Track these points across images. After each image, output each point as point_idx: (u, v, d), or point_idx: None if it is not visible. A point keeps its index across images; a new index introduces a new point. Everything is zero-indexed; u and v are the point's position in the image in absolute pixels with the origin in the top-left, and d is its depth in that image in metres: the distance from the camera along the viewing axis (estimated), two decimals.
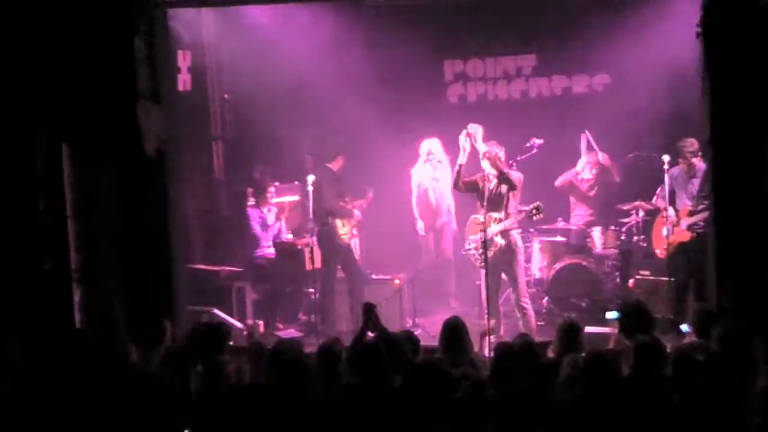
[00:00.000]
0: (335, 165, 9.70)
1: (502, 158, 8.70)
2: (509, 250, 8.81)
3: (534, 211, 8.67)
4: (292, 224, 10.54)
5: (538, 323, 9.07)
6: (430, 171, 10.39)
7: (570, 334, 6.24)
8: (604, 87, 11.20)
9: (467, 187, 8.78)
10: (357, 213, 9.78)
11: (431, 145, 10.33)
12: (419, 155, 10.45)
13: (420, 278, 10.09)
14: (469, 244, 8.99)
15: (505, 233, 8.75)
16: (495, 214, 8.74)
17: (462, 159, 8.61)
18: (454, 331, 6.31)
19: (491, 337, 8.22)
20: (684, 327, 7.05)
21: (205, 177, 11.05)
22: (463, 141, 8.51)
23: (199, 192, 10.93)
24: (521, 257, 8.98)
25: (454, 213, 10.43)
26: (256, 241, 10.10)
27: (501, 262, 8.81)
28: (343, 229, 9.69)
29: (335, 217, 9.65)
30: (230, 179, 11.27)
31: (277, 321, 9.94)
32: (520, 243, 8.98)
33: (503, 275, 8.93)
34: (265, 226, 10.11)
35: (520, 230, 9.08)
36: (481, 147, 8.56)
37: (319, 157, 10.03)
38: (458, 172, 8.69)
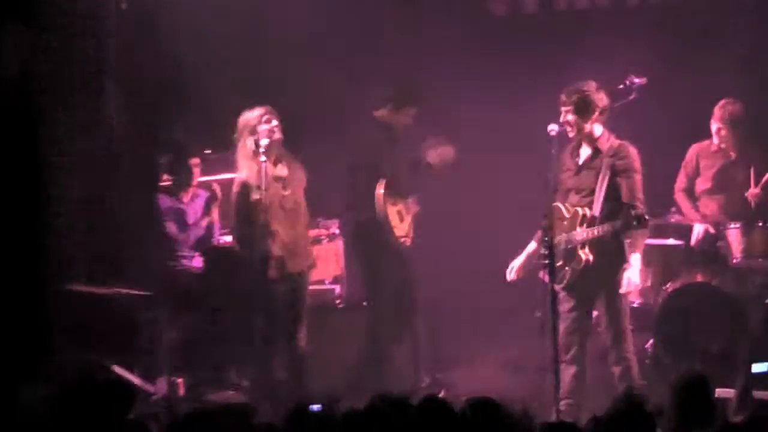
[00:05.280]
0: (402, 118, 9.66)
1: (600, 105, 8.48)
2: (609, 261, 8.48)
3: (635, 222, 8.33)
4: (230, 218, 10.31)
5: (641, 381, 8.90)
6: (270, 168, 9.14)
7: (694, 396, 6.22)
8: None
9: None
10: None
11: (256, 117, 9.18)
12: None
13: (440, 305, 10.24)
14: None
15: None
16: (582, 210, 8.54)
17: None
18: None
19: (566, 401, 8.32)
20: None
21: (90, 137, 10.49)
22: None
23: (82, 163, 10.39)
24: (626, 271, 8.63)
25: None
26: (172, 247, 10.23)
27: (594, 280, 8.54)
28: (402, 224, 9.79)
29: (389, 203, 9.65)
30: (134, 141, 10.85)
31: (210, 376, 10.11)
32: (626, 247, 8.61)
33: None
34: (183, 224, 10.23)
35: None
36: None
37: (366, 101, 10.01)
38: None
